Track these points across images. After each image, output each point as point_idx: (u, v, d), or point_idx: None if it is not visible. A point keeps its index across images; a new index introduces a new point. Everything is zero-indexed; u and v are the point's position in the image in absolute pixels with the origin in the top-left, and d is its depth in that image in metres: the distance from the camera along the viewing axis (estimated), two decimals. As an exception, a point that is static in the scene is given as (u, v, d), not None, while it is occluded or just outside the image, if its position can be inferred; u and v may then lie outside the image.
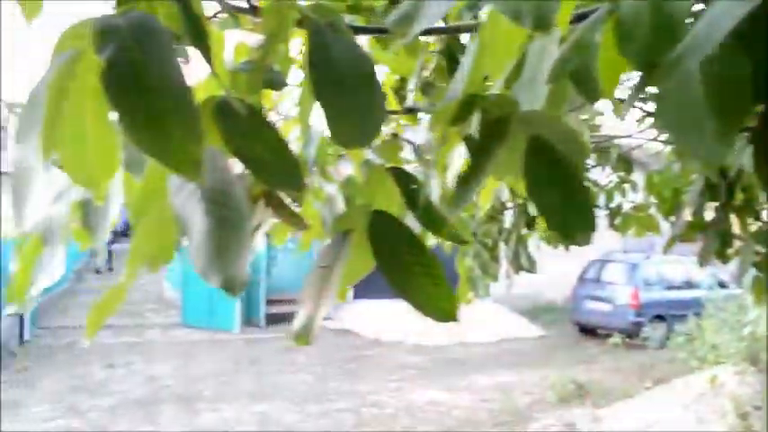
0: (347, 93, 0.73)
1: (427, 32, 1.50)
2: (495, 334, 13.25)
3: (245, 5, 0.98)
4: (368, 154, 1.73)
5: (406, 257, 0.86)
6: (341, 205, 1.81)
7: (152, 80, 0.63)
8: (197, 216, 0.73)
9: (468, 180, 0.78)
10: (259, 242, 1.17)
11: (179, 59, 0.69)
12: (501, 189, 3.01)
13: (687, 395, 8.29)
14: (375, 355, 11.53)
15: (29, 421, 7.91)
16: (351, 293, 15.70)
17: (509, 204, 3.66)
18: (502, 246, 3.75)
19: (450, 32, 1.27)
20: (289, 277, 14.26)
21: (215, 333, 13.02)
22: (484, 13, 1.39)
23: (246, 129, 0.78)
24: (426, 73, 1.83)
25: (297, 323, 0.84)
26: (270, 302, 14.03)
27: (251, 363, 10.98)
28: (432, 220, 0.93)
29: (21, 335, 11.39)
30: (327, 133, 2.09)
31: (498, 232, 3.75)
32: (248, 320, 13.71)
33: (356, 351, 11.72)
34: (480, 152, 0.79)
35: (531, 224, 3.67)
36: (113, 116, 0.73)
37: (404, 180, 0.93)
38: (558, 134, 0.84)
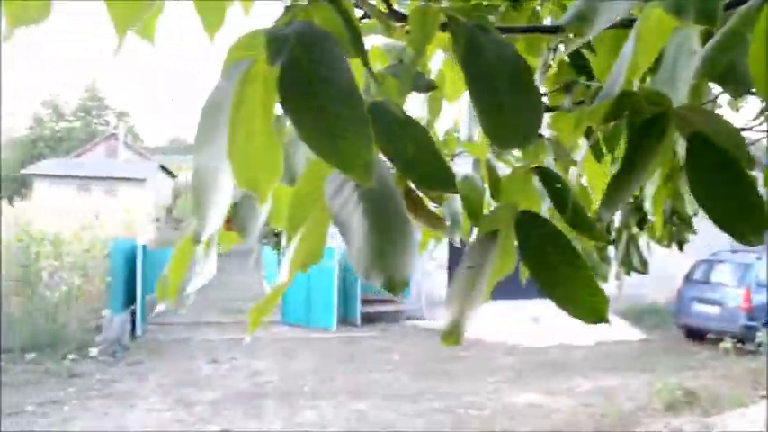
0: (504, 94, 0.73)
1: (552, 30, 1.48)
2: (595, 336, 12.88)
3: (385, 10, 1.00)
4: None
5: (554, 257, 0.85)
6: (458, 205, 1.81)
7: (323, 87, 0.65)
8: (356, 218, 0.75)
9: (624, 180, 0.77)
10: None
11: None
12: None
13: (808, 405, 7.78)
14: (473, 356, 11.45)
15: (140, 411, 8.35)
16: (445, 293, 15.66)
17: (618, 203, 3.54)
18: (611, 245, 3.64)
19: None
20: (384, 277, 14.37)
21: (312, 331, 13.31)
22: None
23: (399, 130, 0.80)
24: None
25: (445, 323, 0.85)
26: (365, 302, 14.22)
27: (348, 360, 11.16)
28: (579, 220, 0.92)
29: (133, 330, 12.04)
30: (441, 134, 2.09)
31: (607, 231, 3.64)
32: (344, 319, 13.93)
33: (453, 351, 11.66)
34: (637, 151, 0.77)
35: (641, 223, 3.54)
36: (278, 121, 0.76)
37: (550, 180, 0.92)
38: (718, 130, 0.81)
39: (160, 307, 1.20)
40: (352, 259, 0.73)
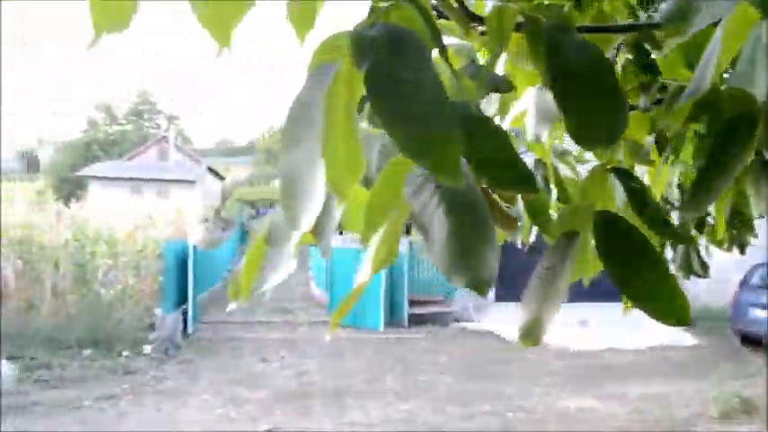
0: (588, 94, 0.72)
1: (617, 29, 1.46)
2: (646, 341, 12.61)
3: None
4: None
5: (633, 258, 0.84)
6: (519, 206, 1.80)
7: (409, 88, 0.66)
8: (438, 217, 0.75)
9: (711, 181, 0.75)
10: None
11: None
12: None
13: None
14: (518, 359, 11.33)
15: (193, 409, 8.51)
16: (492, 295, 15.57)
17: (676, 203, 3.46)
18: (668, 248, 3.55)
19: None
20: (430, 278, 14.41)
21: (360, 331, 13.35)
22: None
23: (478, 130, 0.80)
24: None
25: (523, 324, 0.85)
26: (412, 303, 14.22)
27: (395, 361, 11.16)
28: (657, 220, 0.91)
29: (185, 329, 12.28)
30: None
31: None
32: (392, 320, 13.95)
33: (499, 353, 11.58)
34: (723, 150, 0.76)
35: (700, 226, 3.45)
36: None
37: (629, 180, 0.91)
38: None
39: (231, 306, 1.22)
40: (434, 258, 0.74)
